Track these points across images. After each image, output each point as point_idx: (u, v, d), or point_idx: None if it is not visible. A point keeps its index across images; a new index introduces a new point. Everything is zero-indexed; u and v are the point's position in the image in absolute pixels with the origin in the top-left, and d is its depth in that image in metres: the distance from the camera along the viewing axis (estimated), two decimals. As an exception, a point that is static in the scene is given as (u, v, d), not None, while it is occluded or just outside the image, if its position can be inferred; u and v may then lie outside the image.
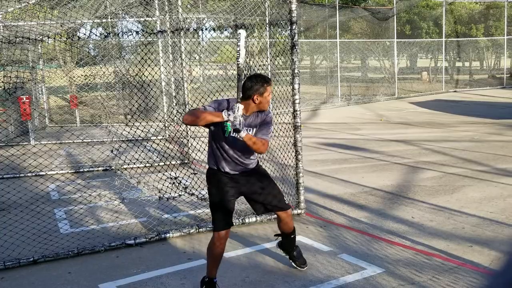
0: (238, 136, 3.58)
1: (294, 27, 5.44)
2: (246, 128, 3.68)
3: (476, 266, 4.15)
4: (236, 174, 3.84)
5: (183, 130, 8.35)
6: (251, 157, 3.88)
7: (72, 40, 6.39)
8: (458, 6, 24.48)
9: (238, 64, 3.59)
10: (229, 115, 3.47)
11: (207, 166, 3.95)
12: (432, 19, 23.73)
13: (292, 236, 4.21)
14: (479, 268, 4.11)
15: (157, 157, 8.80)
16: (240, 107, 3.49)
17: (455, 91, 22.52)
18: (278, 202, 4.01)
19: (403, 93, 21.18)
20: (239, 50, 3.59)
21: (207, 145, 3.91)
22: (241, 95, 3.62)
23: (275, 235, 4.37)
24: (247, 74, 6.17)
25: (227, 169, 3.80)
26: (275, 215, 4.18)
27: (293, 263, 4.26)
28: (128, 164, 7.95)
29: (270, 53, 13.28)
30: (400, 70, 23.81)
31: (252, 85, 3.66)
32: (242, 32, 3.62)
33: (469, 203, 5.94)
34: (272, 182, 4.06)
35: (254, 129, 3.76)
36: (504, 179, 6.93)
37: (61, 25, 7.71)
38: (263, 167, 4.14)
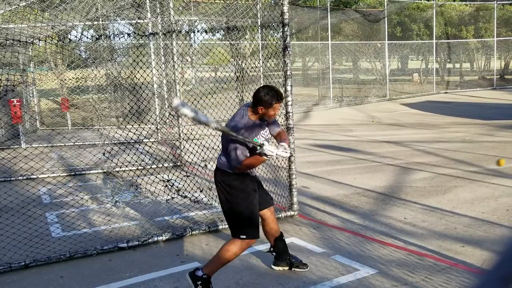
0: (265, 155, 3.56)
1: (286, 29, 5.45)
2: (263, 131, 3.80)
3: (468, 266, 4.18)
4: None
5: (176, 133, 8.33)
6: None
7: (63, 42, 6.36)
8: (448, 8, 24.65)
9: (216, 128, 3.37)
10: (265, 154, 3.50)
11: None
12: (422, 21, 23.87)
13: (284, 238, 4.21)
14: (471, 268, 4.13)
15: (150, 159, 8.77)
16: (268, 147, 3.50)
17: (446, 93, 22.66)
18: (269, 196, 4.15)
19: (395, 94, 21.28)
20: (202, 120, 3.33)
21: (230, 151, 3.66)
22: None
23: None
24: (239, 76, 6.19)
25: (254, 172, 3.91)
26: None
27: (297, 269, 4.19)
28: (120, 167, 7.91)
29: (262, 55, 13.30)
30: (391, 71, 23.91)
31: (261, 97, 3.65)
32: (183, 109, 3.24)
33: (460, 203, 5.97)
34: None
35: (266, 128, 3.85)
36: (495, 179, 6.98)
37: (52, 28, 7.67)
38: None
